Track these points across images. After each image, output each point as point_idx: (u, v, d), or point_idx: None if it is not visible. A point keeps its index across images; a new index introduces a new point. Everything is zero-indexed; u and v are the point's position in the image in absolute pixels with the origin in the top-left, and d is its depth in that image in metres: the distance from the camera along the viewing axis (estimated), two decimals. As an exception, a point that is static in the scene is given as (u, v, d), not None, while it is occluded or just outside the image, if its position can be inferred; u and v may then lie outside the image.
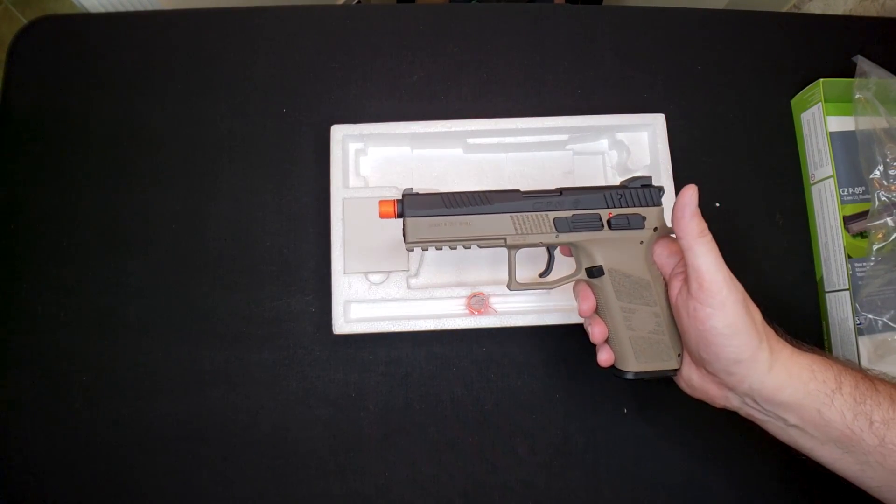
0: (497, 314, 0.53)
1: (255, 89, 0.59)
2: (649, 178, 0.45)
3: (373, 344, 0.54)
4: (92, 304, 0.54)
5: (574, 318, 0.52)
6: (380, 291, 0.53)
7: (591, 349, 0.46)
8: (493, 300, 0.53)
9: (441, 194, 0.43)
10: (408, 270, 0.54)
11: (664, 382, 0.46)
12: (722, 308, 0.37)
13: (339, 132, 0.54)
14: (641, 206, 0.43)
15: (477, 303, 0.53)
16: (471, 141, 0.56)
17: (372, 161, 0.58)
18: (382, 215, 0.43)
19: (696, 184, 0.39)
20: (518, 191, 0.44)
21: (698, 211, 0.38)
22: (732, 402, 0.41)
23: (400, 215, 0.43)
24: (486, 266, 0.55)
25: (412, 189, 0.43)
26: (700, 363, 0.41)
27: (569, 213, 0.43)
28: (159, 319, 0.54)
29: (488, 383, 0.54)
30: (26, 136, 0.58)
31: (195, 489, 0.52)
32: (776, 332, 0.40)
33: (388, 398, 0.53)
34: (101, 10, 0.94)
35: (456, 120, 0.55)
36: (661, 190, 0.44)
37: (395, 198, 0.43)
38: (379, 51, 0.61)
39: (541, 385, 0.54)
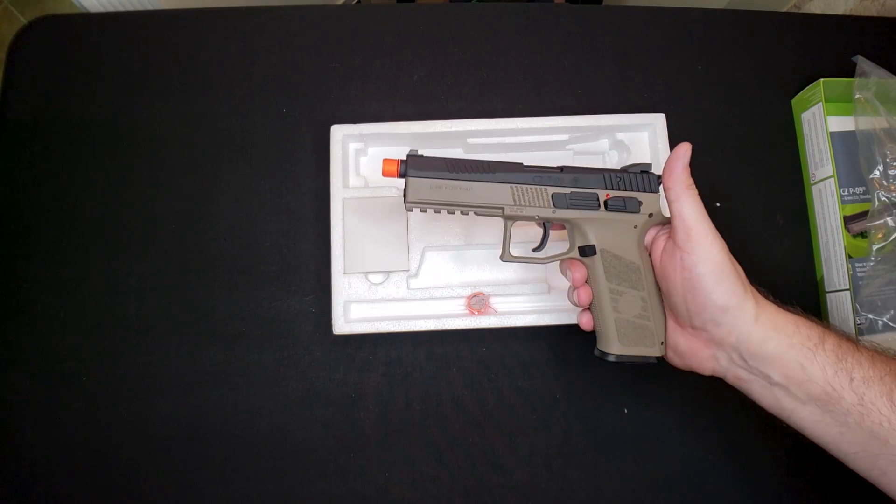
0: (497, 314, 0.53)
1: (255, 89, 0.59)
2: (649, 164, 0.45)
3: (373, 344, 0.54)
4: (92, 304, 0.54)
5: (574, 319, 0.52)
6: (380, 291, 0.53)
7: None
8: (493, 300, 0.53)
9: (445, 159, 0.43)
10: (408, 270, 0.54)
11: (665, 380, 0.46)
12: (709, 255, 0.39)
13: (339, 132, 0.54)
14: (639, 190, 0.44)
15: (477, 303, 0.53)
16: (471, 141, 0.56)
17: (372, 161, 0.58)
18: (385, 173, 0.43)
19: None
20: (521, 164, 0.44)
21: (689, 167, 0.41)
22: (720, 361, 0.41)
23: (403, 175, 0.43)
24: (486, 266, 0.55)
25: (417, 151, 0.44)
26: (687, 321, 0.41)
27: (567, 190, 0.44)
28: (159, 319, 0.54)
29: (488, 383, 0.54)
30: (26, 136, 0.58)
31: (195, 489, 0.52)
32: (761, 293, 0.41)
33: (389, 398, 0.53)
34: (101, 10, 0.94)
35: (456, 120, 0.55)
36: (659, 178, 0.44)
37: (400, 158, 0.44)
38: (379, 51, 0.61)
39: (541, 385, 0.54)
